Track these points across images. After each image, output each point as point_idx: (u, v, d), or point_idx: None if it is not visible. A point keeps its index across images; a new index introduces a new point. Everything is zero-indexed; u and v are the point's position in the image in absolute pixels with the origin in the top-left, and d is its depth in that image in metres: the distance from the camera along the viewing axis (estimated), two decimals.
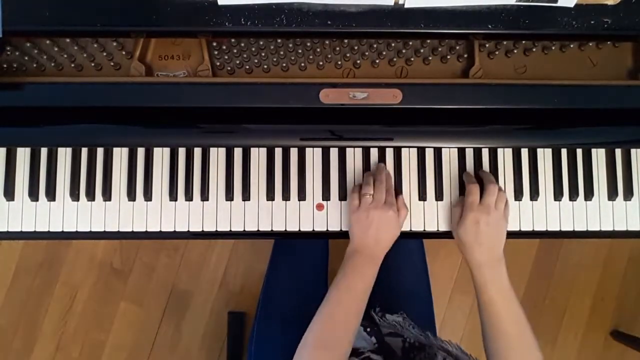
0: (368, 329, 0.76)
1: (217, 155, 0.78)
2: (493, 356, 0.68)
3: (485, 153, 0.78)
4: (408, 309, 0.87)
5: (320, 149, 0.78)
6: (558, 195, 0.78)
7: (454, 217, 0.75)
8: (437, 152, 0.78)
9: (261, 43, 0.71)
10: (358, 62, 0.73)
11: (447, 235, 0.77)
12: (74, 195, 0.76)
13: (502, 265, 0.69)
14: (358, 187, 0.74)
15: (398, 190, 0.77)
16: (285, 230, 0.77)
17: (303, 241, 0.93)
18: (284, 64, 0.73)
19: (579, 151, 0.79)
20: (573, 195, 0.78)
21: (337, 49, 0.72)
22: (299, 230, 0.77)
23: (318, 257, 0.96)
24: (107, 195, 0.76)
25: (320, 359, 0.63)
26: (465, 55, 0.73)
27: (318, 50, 0.72)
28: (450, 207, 0.77)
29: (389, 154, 0.78)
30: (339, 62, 0.73)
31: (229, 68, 0.73)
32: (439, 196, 0.78)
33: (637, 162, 0.79)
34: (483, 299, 0.69)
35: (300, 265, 0.94)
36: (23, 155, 0.77)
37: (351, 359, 0.67)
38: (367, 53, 0.72)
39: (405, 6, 0.60)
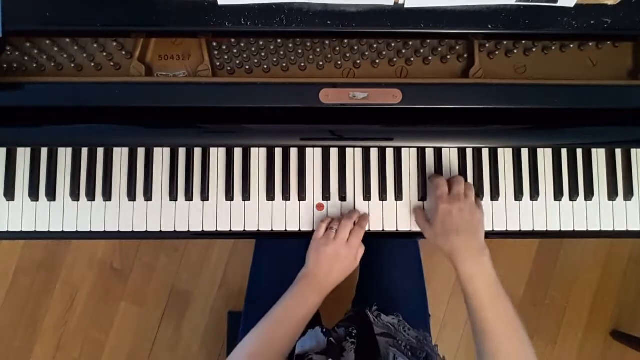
0: (324, 330, 0.76)
1: (217, 155, 0.78)
2: (482, 352, 0.66)
3: (485, 153, 0.78)
4: (402, 308, 0.87)
5: (320, 149, 0.78)
6: (558, 195, 0.78)
7: (419, 219, 0.75)
8: (437, 152, 0.78)
9: (261, 43, 0.71)
10: (358, 62, 0.73)
11: None
12: (74, 195, 0.76)
13: (485, 255, 0.67)
14: (329, 219, 0.75)
15: (363, 225, 0.76)
16: (286, 230, 0.77)
17: (285, 242, 0.93)
18: (284, 64, 0.73)
19: (579, 151, 0.79)
20: (573, 195, 0.78)
21: (337, 49, 0.72)
22: (299, 230, 0.77)
23: (300, 254, 0.96)
24: (107, 195, 0.76)
25: None
26: (465, 55, 0.73)
27: (318, 50, 0.72)
28: None
29: (389, 154, 0.78)
30: (339, 62, 0.73)
31: (229, 68, 0.73)
32: None
33: (637, 162, 0.79)
34: (468, 291, 0.67)
35: (283, 263, 0.93)
36: (23, 155, 0.77)
37: None
38: (367, 53, 0.72)
39: (405, 6, 0.60)
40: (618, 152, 0.79)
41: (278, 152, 0.78)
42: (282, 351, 0.67)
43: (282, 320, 0.70)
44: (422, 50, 0.72)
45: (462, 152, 0.78)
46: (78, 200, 0.76)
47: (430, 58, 0.73)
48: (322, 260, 0.71)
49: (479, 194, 0.78)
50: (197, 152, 0.77)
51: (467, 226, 0.69)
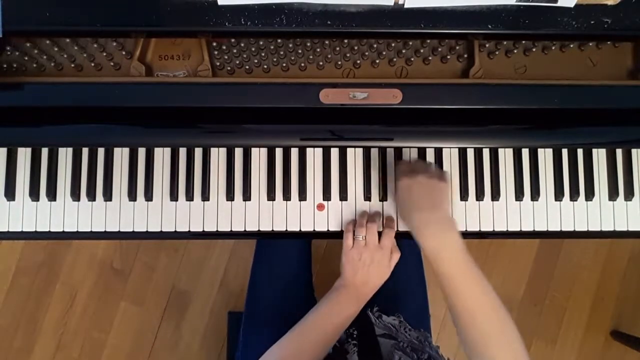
0: None
1: (218, 155, 0.78)
2: (464, 340, 0.61)
3: (485, 153, 0.78)
4: (403, 308, 0.87)
5: (320, 149, 0.78)
6: (559, 195, 0.78)
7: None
8: (438, 152, 0.78)
9: (261, 43, 0.71)
10: (358, 62, 0.73)
11: None
12: (75, 195, 0.76)
13: (451, 228, 0.63)
14: (352, 224, 0.75)
15: (391, 225, 0.76)
16: (286, 230, 0.77)
17: (285, 242, 0.94)
18: (284, 64, 0.73)
19: (580, 151, 0.79)
20: (574, 195, 0.78)
21: (337, 49, 0.72)
22: (300, 230, 0.77)
23: (301, 257, 0.96)
24: (107, 195, 0.76)
25: None
26: (465, 55, 0.73)
27: (318, 50, 0.72)
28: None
29: (390, 154, 0.78)
30: (339, 62, 0.73)
31: (229, 68, 0.73)
32: None
33: (637, 162, 0.79)
34: (437, 271, 0.62)
35: (283, 267, 0.93)
36: (24, 155, 0.77)
37: None
38: (367, 53, 0.72)
39: (405, 6, 0.60)
40: (619, 152, 0.79)
41: (279, 152, 0.78)
42: (315, 356, 0.66)
43: (316, 326, 0.69)
44: (422, 50, 0.72)
45: (462, 152, 0.78)
46: (78, 200, 0.76)
47: (430, 58, 0.73)
48: (359, 269, 0.70)
49: (449, 178, 0.75)
50: (198, 152, 0.77)
51: (429, 201, 0.66)
